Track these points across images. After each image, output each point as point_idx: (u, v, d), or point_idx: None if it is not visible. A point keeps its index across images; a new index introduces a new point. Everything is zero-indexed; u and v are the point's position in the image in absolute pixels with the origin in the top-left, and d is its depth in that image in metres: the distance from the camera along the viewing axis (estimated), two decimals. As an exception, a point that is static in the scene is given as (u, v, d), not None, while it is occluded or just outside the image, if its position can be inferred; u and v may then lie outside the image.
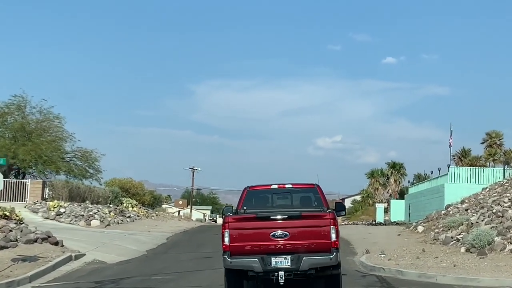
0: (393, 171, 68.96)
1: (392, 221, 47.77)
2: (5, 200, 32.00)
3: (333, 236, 10.19)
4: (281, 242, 10.15)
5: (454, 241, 19.78)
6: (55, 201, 31.55)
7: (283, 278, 10.06)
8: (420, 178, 58.73)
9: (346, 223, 56.84)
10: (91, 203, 34.74)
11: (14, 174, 39.16)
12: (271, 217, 10.40)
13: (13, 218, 20.31)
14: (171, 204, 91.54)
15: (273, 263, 10.12)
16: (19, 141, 37.65)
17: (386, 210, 58.02)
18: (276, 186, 11.60)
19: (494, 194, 25.51)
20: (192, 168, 79.10)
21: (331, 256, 10.16)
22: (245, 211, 11.07)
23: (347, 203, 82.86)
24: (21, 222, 20.49)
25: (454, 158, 55.27)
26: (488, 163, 53.25)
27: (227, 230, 10.27)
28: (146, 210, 43.43)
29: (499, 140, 56.05)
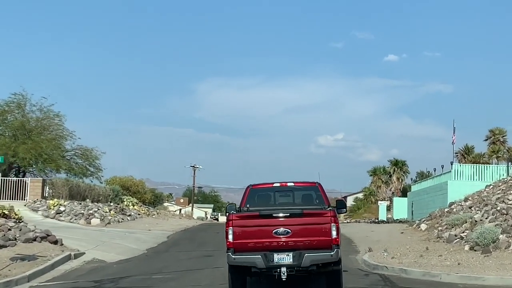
0: (396, 169, 68.85)
1: (394, 219, 47.64)
2: (5, 199, 31.90)
3: (334, 233, 10.42)
4: (283, 239, 10.39)
5: (458, 239, 19.57)
6: (55, 199, 31.37)
7: (285, 274, 10.32)
8: (422, 176, 58.55)
9: (348, 221, 56.70)
10: (92, 202, 34.54)
11: (14, 173, 38.99)
12: (274, 214, 10.66)
13: (12, 217, 20.15)
14: (173, 202, 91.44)
15: (275, 260, 10.38)
16: (19, 139, 37.43)
17: (389, 208, 57.91)
18: (278, 184, 11.87)
19: (498, 192, 25.33)
20: (193, 166, 78.99)
21: (332, 253, 10.40)
22: (248, 209, 11.35)
23: (350, 201, 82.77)
24: (20, 221, 20.32)
25: (457, 156, 55.10)
26: (491, 160, 53.05)
27: (231, 227, 10.55)
28: (147, 208, 43.22)
29: (502, 137, 55.87)
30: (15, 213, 20.52)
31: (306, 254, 10.34)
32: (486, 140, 56.85)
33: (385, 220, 47.94)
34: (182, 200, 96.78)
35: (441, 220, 25.25)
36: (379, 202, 60.66)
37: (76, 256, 17.58)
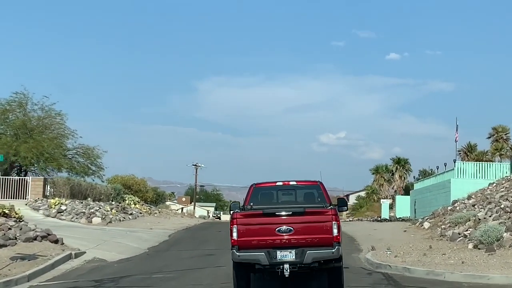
0: (398, 167, 68.69)
1: (397, 217, 47.46)
2: (6, 198, 31.83)
3: (335, 231, 10.69)
4: (286, 237, 10.69)
5: (461, 237, 19.41)
6: (56, 198, 31.28)
7: (288, 270, 10.62)
8: (425, 174, 58.37)
9: (350, 219, 56.54)
10: (93, 201, 34.44)
11: (16, 172, 38.95)
12: (277, 213, 10.92)
13: (13, 216, 20.05)
14: (175, 201, 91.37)
15: (278, 257, 10.67)
16: (20, 138, 37.37)
17: (391, 206, 57.76)
18: (281, 183, 12.13)
19: (502, 189, 25.18)
20: (195, 165, 78.88)
21: (333, 250, 10.67)
22: (252, 207, 11.61)
23: (352, 199, 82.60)
24: (21, 220, 20.22)
25: (460, 153, 54.91)
26: (494, 158, 52.85)
27: (235, 225, 10.85)
28: (148, 207, 43.08)
29: (505, 134, 55.66)
30: (15, 212, 20.42)
31: (308, 252, 10.62)
32: (489, 137, 56.66)
33: (388, 218, 47.75)
34: (184, 199, 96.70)
35: (444, 218, 25.09)
36: (381, 200, 60.51)
37: (77, 255, 17.46)
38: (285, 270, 10.63)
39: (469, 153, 56.58)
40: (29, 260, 15.13)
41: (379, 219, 47.54)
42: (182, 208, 75.09)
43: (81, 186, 35.81)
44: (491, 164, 39.94)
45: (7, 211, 19.95)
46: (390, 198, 62.69)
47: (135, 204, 40.09)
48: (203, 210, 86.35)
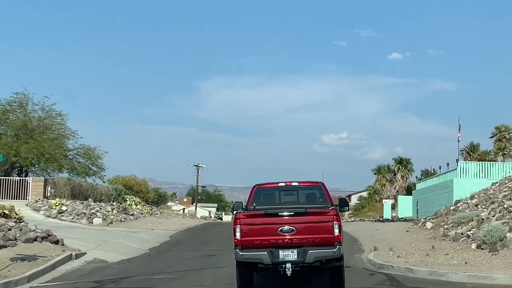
0: (400, 167, 68.49)
1: (399, 217, 47.31)
2: (7, 199, 31.74)
3: (336, 231, 10.93)
4: (288, 237, 10.94)
5: (464, 238, 19.26)
6: (57, 199, 31.18)
7: (290, 270, 10.89)
8: (427, 174, 58.19)
9: (352, 219, 56.38)
10: (94, 201, 34.33)
11: (17, 172, 38.87)
12: (279, 213, 11.19)
13: (13, 217, 19.95)
14: (176, 201, 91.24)
15: (281, 256, 10.93)
16: (21, 138, 37.27)
17: (393, 207, 57.60)
18: (283, 184, 12.39)
19: (505, 189, 25.05)
20: (196, 165, 78.78)
21: (335, 250, 10.91)
22: (255, 208, 11.81)
23: (354, 200, 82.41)
24: (21, 221, 20.11)
25: (462, 153, 54.70)
26: (497, 158, 52.65)
27: (239, 225, 11.06)
28: (150, 207, 42.95)
29: (508, 134, 55.46)
30: (15, 213, 20.32)
31: (310, 251, 10.86)
32: (492, 137, 56.45)
33: (390, 218, 47.59)
34: (185, 200, 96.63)
35: (447, 218, 24.96)
36: (383, 200, 60.32)
37: (77, 256, 17.35)
38: (287, 269, 10.86)
39: (472, 152, 56.39)
40: (29, 261, 15.05)
41: (381, 219, 47.36)
42: (183, 209, 74.95)
43: (82, 187, 35.71)
44: (494, 164, 39.77)
45: (7, 212, 19.85)
46: (392, 198, 62.51)
47: (136, 205, 39.97)
48: (204, 211, 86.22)
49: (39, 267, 14.55)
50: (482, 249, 16.72)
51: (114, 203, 36.23)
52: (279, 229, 10.95)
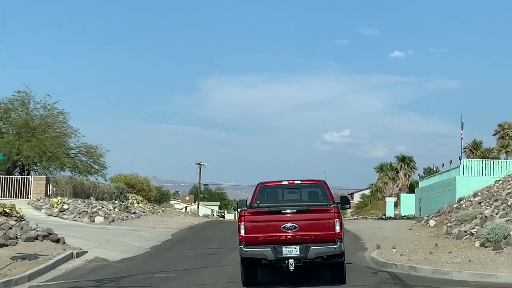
0: (403, 165, 68.37)
1: (402, 215, 47.20)
2: (9, 197, 31.64)
3: (337, 228, 11.32)
4: (291, 233, 11.31)
5: (468, 235, 19.14)
6: (59, 197, 31.10)
7: (293, 265, 11.28)
8: (430, 172, 57.96)
9: (355, 217, 56.36)
10: (96, 200, 34.26)
11: (18, 171, 38.79)
12: (282, 211, 11.57)
13: (14, 215, 19.88)
14: (179, 200, 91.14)
15: (284, 252, 11.31)
16: (23, 137, 37.14)
17: (396, 204, 57.47)
18: (286, 182, 12.72)
19: (508, 187, 24.93)
20: (199, 164, 78.69)
21: (336, 246, 11.29)
22: (258, 205, 12.12)
23: (356, 198, 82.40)
24: (22, 219, 20.05)
25: (465, 151, 54.55)
26: (500, 155, 52.43)
27: (243, 222, 11.40)
28: (152, 206, 42.84)
29: (511, 131, 55.17)
30: (16, 212, 20.26)
31: (312, 247, 11.23)
32: (495, 134, 56.23)
33: (393, 216, 47.49)
34: (187, 198, 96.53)
35: (450, 216, 24.84)
36: (386, 198, 60.22)
37: (78, 255, 17.28)
38: (290, 265, 11.24)
39: (475, 150, 56.21)
40: (29, 260, 14.97)
41: (384, 217, 47.26)
42: (186, 207, 74.86)
43: (84, 185, 35.62)
44: (497, 161, 39.63)
45: (8, 211, 19.80)
46: (395, 196, 62.40)
47: (138, 203, 39.89)
48: (207, 209, 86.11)
49: (40, 266, 14.45)
50: (486, 247, 16.58)
51: (116, 202, 36.15)
52: (282, 226, 11.30)
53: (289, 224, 11.32)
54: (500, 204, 21.63)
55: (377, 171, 72.06)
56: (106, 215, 29.68)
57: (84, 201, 31.87)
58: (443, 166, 43.37)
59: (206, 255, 19.00)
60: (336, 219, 11.32)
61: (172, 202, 72.62)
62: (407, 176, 68.36)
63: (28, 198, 32.50)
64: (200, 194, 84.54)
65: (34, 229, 18.62)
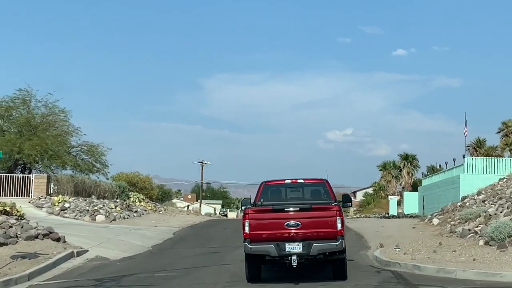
0: (406, 163, 68.07)
1: (405, 213, 46.96)
2: (10, 196, 31.58)
3: (339, 225, 11.68)
4: (294, 231, 11.66)
5: (472, 234, 18.95)
6: (60, 196, 31.01)
7: (296, 262, 11.62)
8: (433, 170, 57.66)
9: (358, 216, 56.10)
10: (97, 198, 34.14)
11: (20, 170, 38.71)
12: (285, 209, 11.92)
13: (14, 214, 19.74)
14: (181, 198, 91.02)
15: (287, 249, 11.64)
16: (24, 135, 37.09)
17: (399, 203, 57.20)
18: (289, 181, 13.08)
19: (512, 185, 24.67)
20: (201, 162, 78.58)
21: (337, 243, 11.64)
22: (262, 203, 12.43)
23: (359, 196, 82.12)
24: (22, 218, 19.91)
25: (468, 149, 54.14)
26: (504, 153, 52.09)
27: (248, 220, 11.76)
28: (154, 204, 42.69)
29: (515, 129, 54.73)
30: (16, 210, 20.11)
31: (314, 244, 11.58)
32: (499, 132, 55.81)
33: (396, 215, 47.23)
34: (190, 196, 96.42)
35: (453, 214, 24.66)
36: (389, 197, 59.90)
37: (79, 254, 17.15)
38: (293, 261, 11.59)
39: (478, 148, 55.85)
40: (29, 259, 14.84)
41: (387, 215, 46.98)
42: (188, 206, 74.73)
43: (85, 184, 35.50)
44: (501, 159, 39.33)
45: (8, 209, 19.66)
46: (398, 195, 62.12)
47: (140, 202, 39.76)
48: (209, 208, 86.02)
49: (40, 265, 14.33)
50: (490, 245, 16.41)
51: (118, 200, 36.04)
52: (285, 224, 11.64)
53: (292, 222, 11.64)
54: (505, 202, 21.44)
55: (380, 170, 71.79)
56: (107, 214, 29.56)
57: (86, 200, 31.76)
58: (446, 165, 43.11)
59: (208, 253, 18.86)
60: (337, 217, 11.67)
61: (174, 200, 72.46)
62: (410, 175, 68.08)
63: (29, 196, 32.42)
64: (203, 192, 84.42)
65: (35, 228, 18.49)
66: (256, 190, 13.61)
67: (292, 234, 11.64)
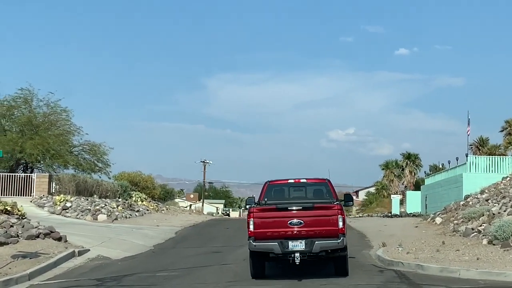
0: (408, 162, 68.00)
1: (408, 212, 46.89)
2: (12, 195, 31.50)
3: (340, 224, 12.08)
4: (297, 229, 12.08)
5: (475, 233, 18.85)
6: (62, 195, 30.93)
7: (299, 259, 12.01)
8: (436, 169, 57.55)
9: (360, 215, 56.04)
10: (99, 197, 34.07)
11: (22, 169, 38.67)
12: (288, 207, 12.37)
13: (15, 213, 19.67)
14: (183, 198, 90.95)
15: (290, 247, 12.07)
16: (26, 135, 37.04)
17: (402, 202, 57.16)
18: (292, 181, 13.48)
19: (516, 184, 24.57)
20: (203, 162, 78.52)
21: (339, 241, 12.04)
22: (266, 202, 12.79)
23: (362, 195, 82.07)
24: (23, 217, 19.85)
25: (471, 148, 54.02)
26: (507, 152, 51.90)
27: (252, 218, 12.18)
28: (156, 204, 42.61)
29: (519, 127, 54.52)
30: (18, 209, 20.05)
31: (316, 242, 11.99)
32: (502, 131, 55.57)
33: (398, 214, 47.19)
34: (192, 196, 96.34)
35: (456, 213, 24.55)
36: (391, 196, 59.89)
37: (80, 253, 17.07)
38: (296, 259, 11.98)
39: (481, 147, 55.69)
40: (30, 258, 14.78)
41: (389, 215, 46.93)
42: (190, 205, 74.68)
43: (87, 183, 35.41)
44: (504, 158, 39.22)
45: (9, 208, 19.59)
46: (400, 194, 62.02)
47: (142, 201, 39.69)
48: (212, 207, 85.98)
49: (41, 264, 14.27)
50: (494, 244, 16.31)
51: (120, 200, 35.98)
52: (288, 222, 12.07)
53: (295, 220, 12.06)
54: (508, 201, 21.33)
55: (383, 169, 71.73)
56: (109, 213, 29.49)
57: (87, 199, 31.69)
58: (449, 163, 43.03)
59: (210, 253, 18.78)
60: (339, 216, 12.08)
61: (176, 200, 72.36)
62: (413, 174, 67.99)
63: (31, 196, 32.35)
64: (205, 192, 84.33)
65: (36, 227, 18.43)
66: (258, 189, 14.18)
67: (295, 232, 12.03)
